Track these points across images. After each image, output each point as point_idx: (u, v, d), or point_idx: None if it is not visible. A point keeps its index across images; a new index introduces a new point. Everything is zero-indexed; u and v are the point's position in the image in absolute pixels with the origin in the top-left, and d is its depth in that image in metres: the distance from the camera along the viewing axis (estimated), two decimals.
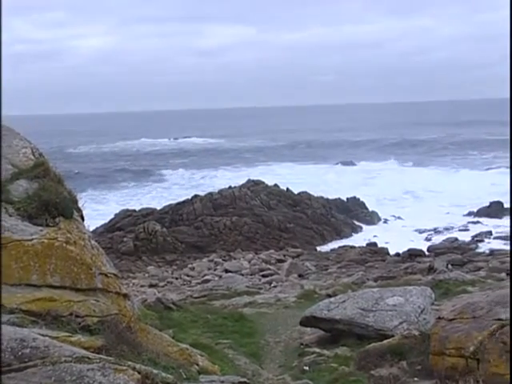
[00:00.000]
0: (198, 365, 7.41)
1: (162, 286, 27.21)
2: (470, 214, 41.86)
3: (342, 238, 38.41)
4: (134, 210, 41.05)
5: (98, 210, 42.07)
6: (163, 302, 14.58)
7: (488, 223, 39.20)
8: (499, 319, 6.14)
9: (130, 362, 4.38)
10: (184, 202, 40.69)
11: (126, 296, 7.17)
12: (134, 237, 36.24)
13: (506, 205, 42.15)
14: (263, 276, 28.29)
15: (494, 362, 5.77)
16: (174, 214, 39.17)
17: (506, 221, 39.78)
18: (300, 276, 27.70)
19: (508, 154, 73.19)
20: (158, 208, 41.18)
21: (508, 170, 60.04)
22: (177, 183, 61.43)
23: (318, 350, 10.25)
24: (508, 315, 6.12)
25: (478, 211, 41.80)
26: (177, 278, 29.74)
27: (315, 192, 43.80)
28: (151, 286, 27.41)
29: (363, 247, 34.54)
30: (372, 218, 42.04)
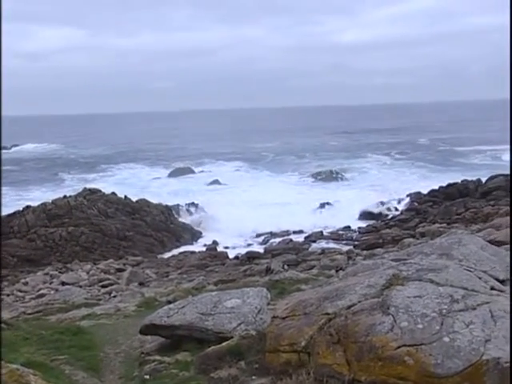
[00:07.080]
0: None
1: None
2: None
3: (182, 244, 38.48)
4: None
5: None
6: None
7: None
8: (327, 313, 6.55)
9: None
10: (15, 213, 38.37)
11: None
12: None
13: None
14: (102, 286, 27.46)
15: (322, 353, 6.15)
16: (4, 227, 36.78)
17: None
18: (141, 284, 27.31)
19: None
20: None
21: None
22: (7, 191, 57.57)
23: (158, 357, 10.15)
24: (334, 309, 6.56)
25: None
26: (8, 295, 27.87)
27: (154, 199, 43.54)
28: None
29: (203, 252, 34.89)
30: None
